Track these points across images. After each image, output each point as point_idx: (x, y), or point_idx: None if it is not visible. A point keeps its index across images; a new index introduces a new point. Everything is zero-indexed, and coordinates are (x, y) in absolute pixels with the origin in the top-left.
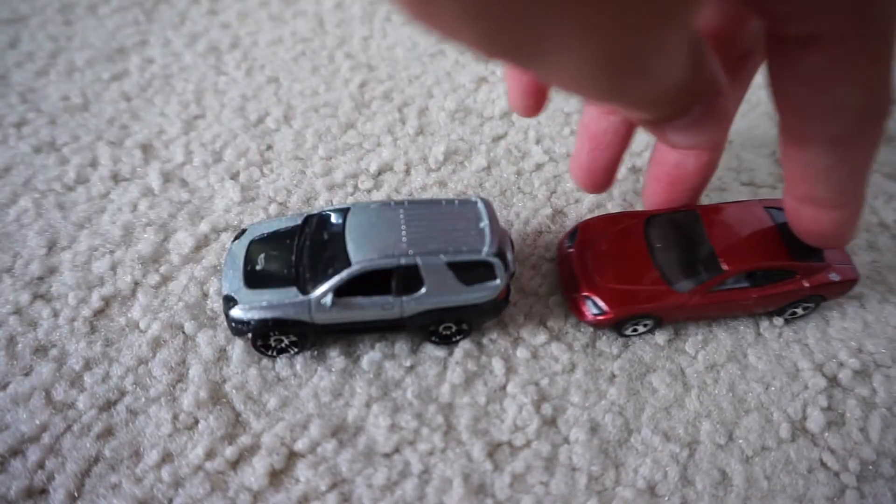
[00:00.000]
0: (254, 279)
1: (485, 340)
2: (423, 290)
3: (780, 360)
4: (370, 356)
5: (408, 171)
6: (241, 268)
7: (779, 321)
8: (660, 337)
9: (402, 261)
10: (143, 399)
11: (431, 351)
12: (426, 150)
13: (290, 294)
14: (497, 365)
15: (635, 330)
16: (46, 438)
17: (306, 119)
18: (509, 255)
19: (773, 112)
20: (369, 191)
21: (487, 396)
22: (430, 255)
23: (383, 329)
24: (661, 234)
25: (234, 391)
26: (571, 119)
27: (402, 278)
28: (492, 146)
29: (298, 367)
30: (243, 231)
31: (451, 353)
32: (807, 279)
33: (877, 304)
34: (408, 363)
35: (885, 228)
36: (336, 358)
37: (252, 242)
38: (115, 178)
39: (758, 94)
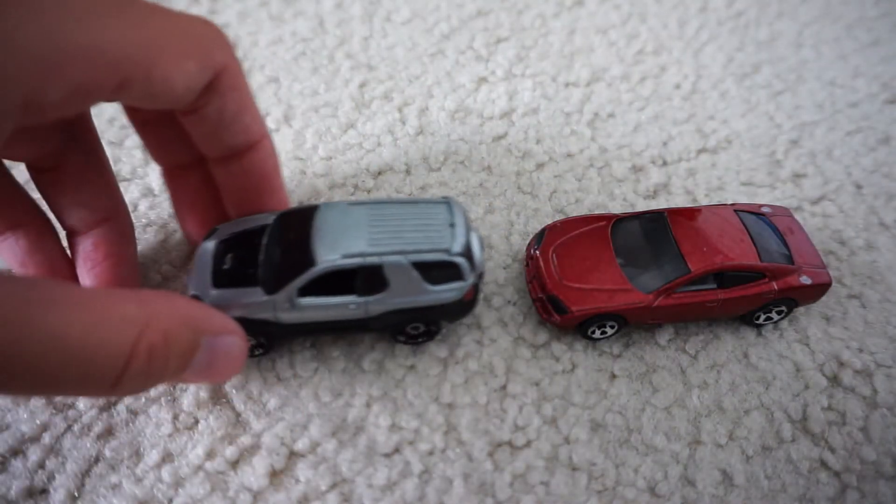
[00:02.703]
0: (221, 278)
1: (485, 340)
2: (388, 290)
3: (780, 359)
4: (371, 356)
5: (408, 171)
6: (210, 267)
7: (783, 322)
8: (661, 337)
9: (366, 261)
10: (143, 399)
11: (432, 351)
12: (426, 150)
13: (255, 294)
14: (497, 365)
15: (604, 332)
16: (47, 438)
17: (306, 119)
18: (477, 256)
19: (772, 112)
20: (369, 191)
21: (488, 396)
22: (393, 256)
23: (349, 329)
24: (627, 236)
25: (234, 391)
26: (571, 119)
27: (367, 279)
28: (492, 146)
29: (298, 367)
30: (214, 230)
31: (451, 353)
32: (776, 281)
33: (877, 304)
34: (408, 363)
35: (885, 228)
36: (336, 358)
37: (221, 241)
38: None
39: (757, 94)
